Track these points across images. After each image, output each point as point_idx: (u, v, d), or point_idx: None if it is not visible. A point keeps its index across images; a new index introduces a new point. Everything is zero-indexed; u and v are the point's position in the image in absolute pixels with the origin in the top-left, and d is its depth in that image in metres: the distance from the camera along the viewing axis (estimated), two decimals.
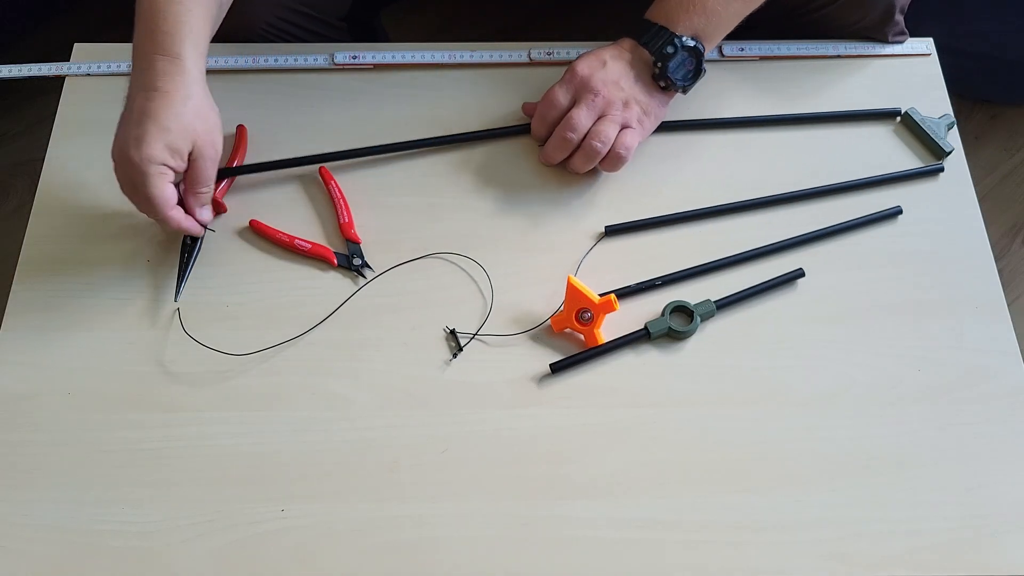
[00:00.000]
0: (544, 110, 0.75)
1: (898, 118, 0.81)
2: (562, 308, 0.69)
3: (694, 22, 0.73)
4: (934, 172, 0.78)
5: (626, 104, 0.73)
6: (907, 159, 0.79)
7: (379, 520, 0.63)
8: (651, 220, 0.75)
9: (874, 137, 0.81)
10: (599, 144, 0.72)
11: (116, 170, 0.67)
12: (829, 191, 0.77)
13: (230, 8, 0.83)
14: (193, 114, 0.66)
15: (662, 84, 0.75)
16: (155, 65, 0.66)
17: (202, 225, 0.71)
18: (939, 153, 0.79)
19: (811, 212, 0.76)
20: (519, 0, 1.49)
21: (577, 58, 0.75)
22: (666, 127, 0.78)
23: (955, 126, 0.80)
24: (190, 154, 0.66)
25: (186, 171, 0.67)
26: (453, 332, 0.69)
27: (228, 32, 0.84)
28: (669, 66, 0.73)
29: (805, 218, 0.75)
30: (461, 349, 0.69)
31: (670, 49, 0.72)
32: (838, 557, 0.63)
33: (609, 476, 0.65)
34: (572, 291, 0.67)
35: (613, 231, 0.74)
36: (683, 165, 0.78)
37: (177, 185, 0.68)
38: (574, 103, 0.74)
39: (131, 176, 0.65)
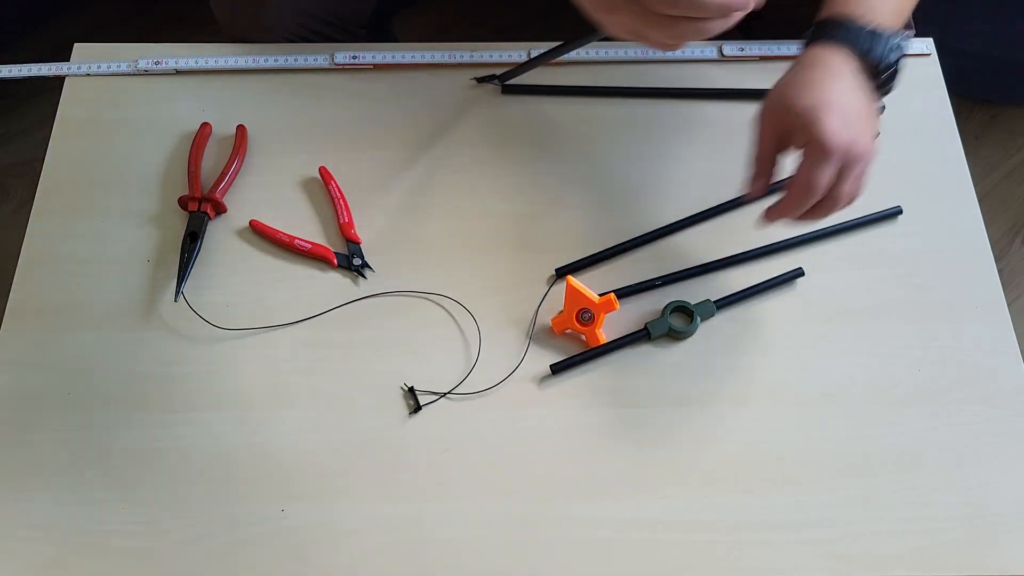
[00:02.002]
0: (807, 197, 0.59)
1: None
2: (562, 309, 0.69)
3: (902, 11, 0.62)
4: None
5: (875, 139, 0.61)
6: None
7: (379, 520, 0.64)
8: (599, 255, 0.73)
9: None
10: (849, 204, 0.62)
11: (609, 20, 0.57)
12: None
13: (250, 14, 0.83)
14: None
15: (883, 92, 0.62)
16: None
17: None
18: None
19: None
20: (519, 0, 1.50)
21: (816, 112, 0.57)
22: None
23: (884, 110, 0.79)
24: None
25: None
26: (411, 390, 0.68)
27: (248, 38, 0.84)
28: (896, 76, 0.61)
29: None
30: (419, 408, 0.67)
31: (896, 58, 0.60)
32: (838, 557, 0.63)
33: (609, 476, 0.65)
34: (572, 291, 0.67)
35: (564, 272, 0.73)
36: (663, 165, 0.78)
37: None
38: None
39: None
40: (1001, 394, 0.69)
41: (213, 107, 0.80)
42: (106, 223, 0.75)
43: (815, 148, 0.57)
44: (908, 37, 0.61)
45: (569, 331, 0.70)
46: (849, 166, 0.58)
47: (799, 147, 0.59)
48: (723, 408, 0.68)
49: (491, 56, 0.83)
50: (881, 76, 0.60)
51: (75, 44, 0.84)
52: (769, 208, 0.62)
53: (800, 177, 0.58)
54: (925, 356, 0.70)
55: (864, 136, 0.58)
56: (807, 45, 0.61)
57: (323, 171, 0.76)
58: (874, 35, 0.59)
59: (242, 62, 0.82)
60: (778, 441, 0.67)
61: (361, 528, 0.63)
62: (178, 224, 0.74)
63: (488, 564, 0.62)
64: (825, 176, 0.58)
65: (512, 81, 0.80)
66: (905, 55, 0.61)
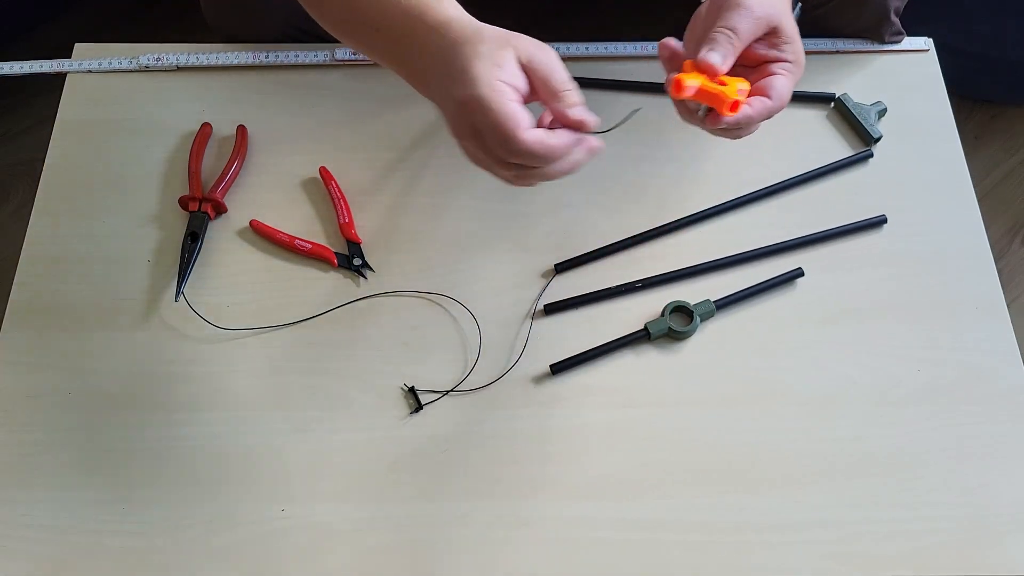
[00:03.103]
0: (782, 107, 0.57)
1: (831, 104, 0.81)
2: (680, 71, 0.55)
3: None
4: (864, 159, 0.78)
5: None
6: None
7: (379, 520, 0.64)
8: (600, 251, 0.73)
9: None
10: None
11: (462, 145, 0.55)
12: (791, 185, 0.77)
13: (240, 16, 0.83)
14: (493, 33, 0.53)
15: None
16: (428, 42, 0.54)
17: (587, 132, 0.54)
18: (868, 139, 0.79)
19: (790, 205, 0.76)
20: (519, 2, 1.50)
21: (798, 35, 0.57)
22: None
23: (887, 112, 0.80)
24: (521, 64, 0.53)
25: (531, 83, 0.53)
26: (412, 389, 0.68)
27: (239, 40, 0.84)
28: None
29: (786, 211, 0.75)
30: (421, 407, 0.67)
31: None
32: (838, 557, 0.63)
33: (609, 476, 0.65)
34: (688, 70, 0.55)
35: (564, 267, 0.73)
36: (658, 166, 0.78)
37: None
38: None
39: (472, 124, 0.52)
40: (1001, 394, 0.69)
41: (213, 107, 0.80)
42: (106, 223, 0.75)
43: (795, 64, 0.57)
44: None
45: (692, 100, 0.55)
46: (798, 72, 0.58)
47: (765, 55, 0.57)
48: (723, 408, 0.68)
49: None
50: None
51: (76, 44, 0.84)
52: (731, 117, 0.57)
53: (783, 89, 0.57)
54: (925, 356, 0.70)
55: None
56: None
57: (323, 171, 0.76)
58: None
59: (243, 58, 0.82)
60: (778, 441, 0.67)
61: (361, 528, 0.63)
62: (178, 224, 0.74)
63: (487, 564, 0.62)
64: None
65: None
66: None
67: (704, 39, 0.55)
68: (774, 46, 0.57)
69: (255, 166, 0.78)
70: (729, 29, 0.55)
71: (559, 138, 0.53)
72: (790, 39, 0.57)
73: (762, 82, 0.57)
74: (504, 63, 0.52)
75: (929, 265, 0.74)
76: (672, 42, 0.58)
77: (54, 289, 0.72)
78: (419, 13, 0.55)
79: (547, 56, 0.53)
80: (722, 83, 0.54)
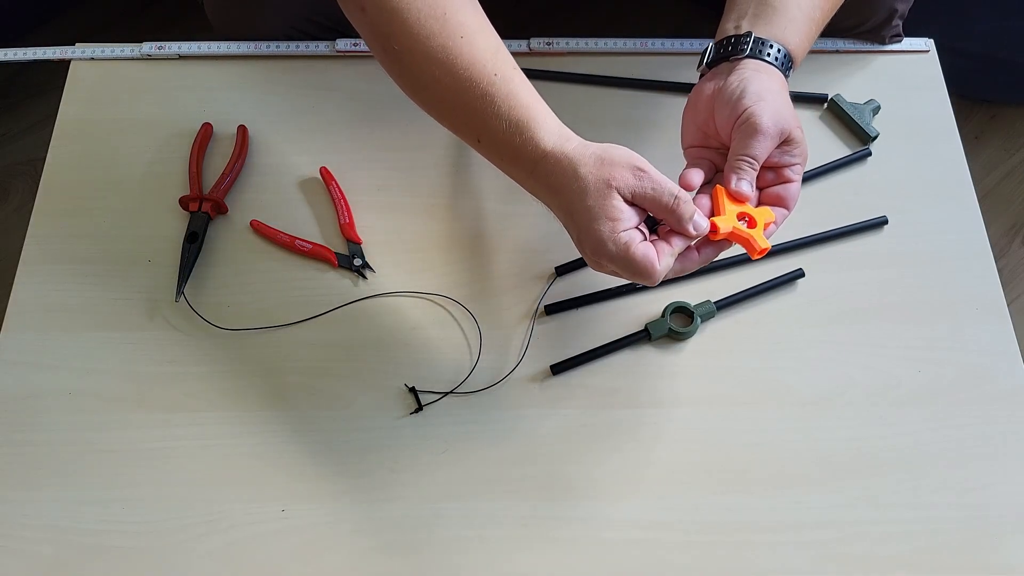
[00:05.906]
0: (793, 209, 0.63)
1: (824, 104, 0.81)
2: (714, 215, 0.60)
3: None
4: (863, 158, 0.79)
5: None
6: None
7: (379, 520, 0.64)
8: None
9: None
10: None
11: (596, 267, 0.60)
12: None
13: (244, 16, 0.84)
14: (592, 175, 0.56)
15: None
16: (534, 174, 0.59)
17: (700, 236, 0.58)
18: (865, 138, 0.79)
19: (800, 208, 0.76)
20: (519, 0, 1.50)
21: (803, 136, 0.62)
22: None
23: (880, 109, 0.80)
24: (628, 200, 0.57)
25: (641, 207, 0.58)
26: (413, 389, 0.68)
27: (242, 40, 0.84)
28: None
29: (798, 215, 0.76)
30: (421, 408, 0.67)
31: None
32: (838, 557, 0.63)
33: (609, 476, 0.65)
34: (721, 196, 0.60)
35: (564, 270, 0.73)
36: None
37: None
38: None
39: (609, 266, 0.58)
40: (1001, 394, 0.69)
41: (214, 107, 0.80)
42: (107, 223, 0.75)
43: (803, 162, 0.63)
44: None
45: (725, 237, 0.60)
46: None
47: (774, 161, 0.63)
48: (723, 409, 0.68)
49: None
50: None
51: (76, 44, 0.84)
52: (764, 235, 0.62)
53: (797, 193, 0.63)
54: (925, 356, 0.70)
55: None
56: (758, 57, 0.64)
57: (324, 172, 0.76)
58: (787, 57, 0.65)
59: (244, 48, 0.82)
60: (778, 442, 0.67)
61: (361, 528, 0.63)
62: (179, 224, 0.74)
63: (487, 564, 0.62)
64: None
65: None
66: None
67: (729, 165, 0.61)
68: (786, 152, 0.62)
69: (256, 166, 0.78)
70: (751, 157, 0.60)
71: (689, 259, 0.59)
72: (799, 142, 0.62)
73: (780, 192, 0.62)
74: (618, 215, 0.56)
75: (929, 265, 0.74)
76: (692, 177, 0.61)
77: (54, 289, 0.72)
78: (520, 143, 0.58)
79: (644, 180, 0.56)
80: (751, 222, 0.60)
